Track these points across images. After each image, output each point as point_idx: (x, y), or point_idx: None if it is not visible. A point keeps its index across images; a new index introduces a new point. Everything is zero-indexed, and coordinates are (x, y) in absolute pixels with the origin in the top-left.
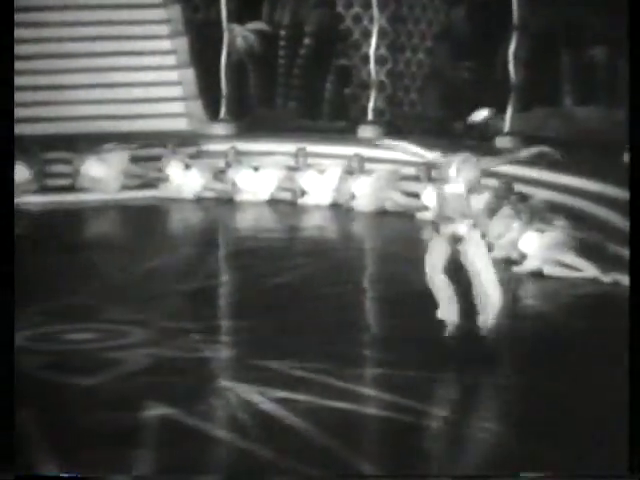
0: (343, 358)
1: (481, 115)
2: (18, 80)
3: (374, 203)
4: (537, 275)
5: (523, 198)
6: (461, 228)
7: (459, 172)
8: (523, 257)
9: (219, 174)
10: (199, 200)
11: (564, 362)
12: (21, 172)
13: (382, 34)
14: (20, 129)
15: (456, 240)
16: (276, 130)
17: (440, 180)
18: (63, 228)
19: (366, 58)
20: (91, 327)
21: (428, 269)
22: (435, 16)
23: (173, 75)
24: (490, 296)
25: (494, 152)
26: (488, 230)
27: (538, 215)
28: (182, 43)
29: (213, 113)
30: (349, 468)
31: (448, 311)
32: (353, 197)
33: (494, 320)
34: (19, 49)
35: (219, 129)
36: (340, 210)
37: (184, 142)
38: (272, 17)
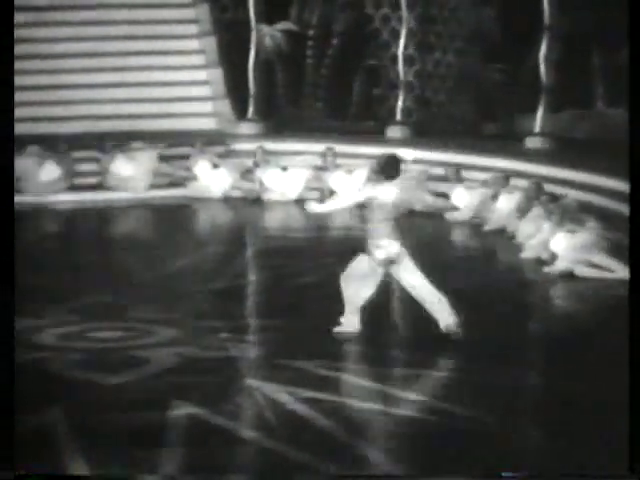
0: (369, 358)
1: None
2: (49, 79)
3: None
4: (568, 276)
5: (554, 198)
6: (389, 251)
7: (382, 212)
8: (554, 258)
9: (247, 173)
10: (227, 199)
11: (580, 362)
12: (51, 171)
13: (411, 35)
14: (50, 128)
15: (388, 262)
16: (304, 130)
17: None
18: (91, 227)
19: (395, 58)
20: (119, 326)
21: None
22: (465, 17)
23: (201, 75)
24: (436, 302)
25: (524, 153)
26: (518, 230)
27: (569, 216)
28: (210, 43)
29: (241, 112)
30: (374, 468)
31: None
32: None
33: (453, 318)
34: (52, 48)
35: (247, 128)
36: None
37: (212, 141)
38: (300, 17)
